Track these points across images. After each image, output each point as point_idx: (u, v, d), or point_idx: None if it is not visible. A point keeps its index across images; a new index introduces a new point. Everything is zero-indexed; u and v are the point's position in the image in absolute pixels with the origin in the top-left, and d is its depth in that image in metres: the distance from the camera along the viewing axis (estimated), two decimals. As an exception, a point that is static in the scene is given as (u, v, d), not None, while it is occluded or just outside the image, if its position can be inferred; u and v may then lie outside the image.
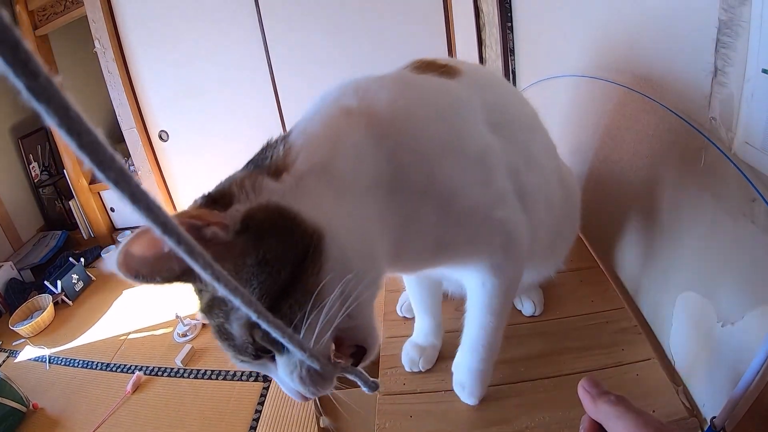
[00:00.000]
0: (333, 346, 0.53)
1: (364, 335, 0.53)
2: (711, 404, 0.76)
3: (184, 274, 0.47)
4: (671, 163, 0.80)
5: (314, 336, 0.47)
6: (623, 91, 0.93)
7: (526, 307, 0.96)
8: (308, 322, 0.47)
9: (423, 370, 0.88)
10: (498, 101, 0.73)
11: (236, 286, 0.33)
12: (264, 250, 0.47)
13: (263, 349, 0.50)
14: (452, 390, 0.82)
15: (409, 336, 0.93)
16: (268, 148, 0.58)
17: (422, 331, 0.91)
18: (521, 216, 0.69)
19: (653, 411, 0.75)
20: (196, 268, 0.30)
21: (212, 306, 0.50)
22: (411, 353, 0.89)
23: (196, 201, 0.51)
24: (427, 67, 0.73)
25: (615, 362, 0.84)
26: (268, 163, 0.55)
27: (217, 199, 0.50)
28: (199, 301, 0.52)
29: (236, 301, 0.34)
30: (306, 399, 0.53)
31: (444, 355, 0.90)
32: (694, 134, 0.71)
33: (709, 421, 0.73)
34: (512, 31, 1.70)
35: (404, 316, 1.03)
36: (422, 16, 2.87)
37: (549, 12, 1.35)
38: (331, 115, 0.60)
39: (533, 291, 0.97)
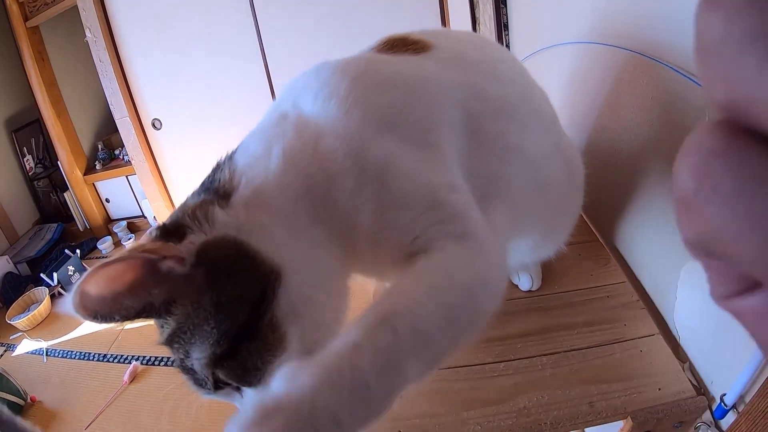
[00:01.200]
0: None
1: None
2: (719, 381, 0.72)
3: (145, 310, 0.45)
4: (673, 126, 0.76)
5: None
6: (622, 55, 0.88)
7: (523, 282, 0.92)
8: (272, 364, 0.45)
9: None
10: (473, 81, 0.64)
11: None
12: (219, 290, 0.44)
13: (224, 383, 0.48)
14: (446, 369, 0.79)
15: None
16: (217, 169, 0.54)
17: None
18: (478, 214, 0.54)
19: (659, 389, 0.71)
20: None
21: (173, 341, 0.47)
22: None
23: (151, 233, 0.48)
24: (396, 44, 0.66)
25: (617, 338, 0.80)
26: (216, 188, 0.52)
27: (172, 231, 0.47)
28: (160, 335, 0.49)
29: None
30: None
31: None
32: (697, 91, 0.67)
33: (719, 398, 0.70)
34: (506, 5, 1.65)
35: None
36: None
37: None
38: (270, 124, 0.56)
39: (530, 265, 0.93)
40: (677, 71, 0.71)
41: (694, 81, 0.67)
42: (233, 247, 0.46)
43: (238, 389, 0.49)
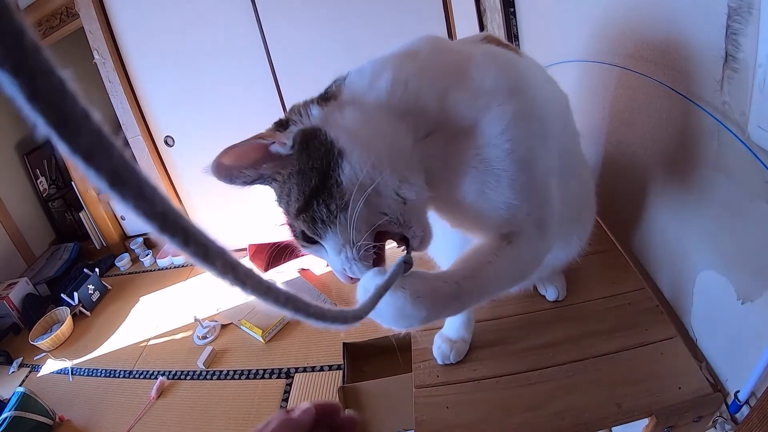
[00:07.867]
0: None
1: (404, 230, 0.62)
2: (734, 379, 0.78)
3: (259, 179, 0.62)
4: (685, 146, 0.82)
5: (349, 224, 0.58)
6: (635, 77, 0.94)
7: (550, 293, 0.98)
8: (339, 216, 0.58)
9: (454, 363, 0.91)
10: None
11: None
12: (300, 162, 0.59)
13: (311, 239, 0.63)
14: (486, 379, 0.85)
15: (439, 328, 0.95)
16: (333, 82, 0.67)
17: (453, 325, 0.93)
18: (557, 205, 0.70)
19: (679, 388, 0.77)
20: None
21: (279, 202, 0.64)
22: (442, 346, 0.92)
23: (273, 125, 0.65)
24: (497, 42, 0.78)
25: (639, 342, 0.86)
26: (322, 94, 0.65)
27: (283, 123, 0.63)
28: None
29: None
30: (351, 280, 0.63)
31: (474, 345, 0.93)
32: (708, 118, 0.73)
33: (733, 395, 0.76)
34: (515, 16, 1.69)
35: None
36: (420, 3, 2.87)
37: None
38: (392, 55, 0.67)
39: (556, 276, 0.99)
40: (689, 99, 0.77)
41: (704, 110, 0.73)
42: (313, 133, 0.60)
43: (322, 246, 0.63)
